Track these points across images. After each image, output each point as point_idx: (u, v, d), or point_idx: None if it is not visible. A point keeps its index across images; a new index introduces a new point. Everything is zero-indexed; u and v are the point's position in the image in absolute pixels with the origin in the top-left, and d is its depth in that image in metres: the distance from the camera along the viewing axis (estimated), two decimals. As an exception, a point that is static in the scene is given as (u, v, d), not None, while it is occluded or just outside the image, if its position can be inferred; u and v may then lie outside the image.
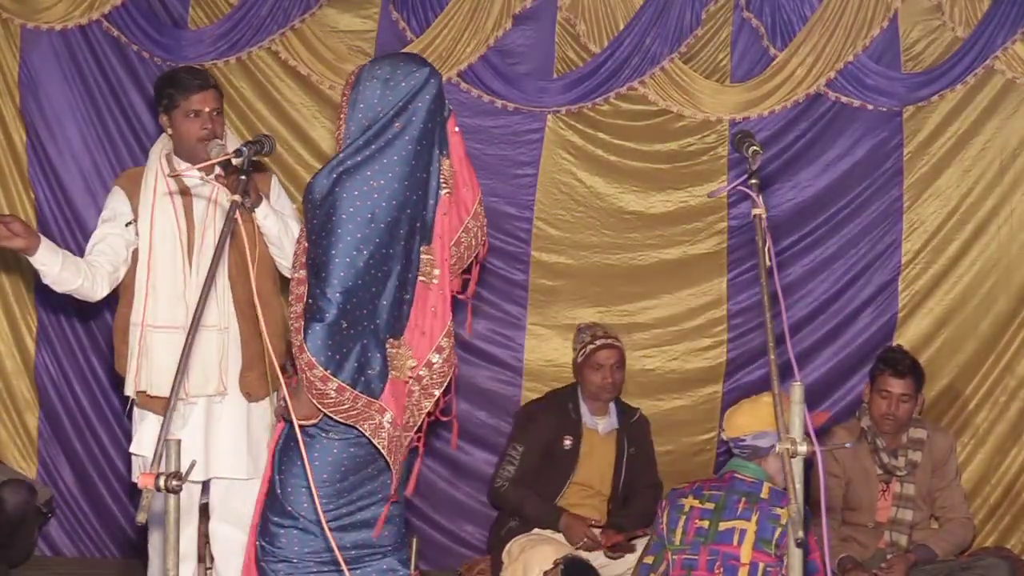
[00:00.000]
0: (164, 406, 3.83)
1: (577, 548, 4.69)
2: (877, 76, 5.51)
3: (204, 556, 4.27)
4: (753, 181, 2.86)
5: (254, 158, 3.07)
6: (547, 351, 5.64)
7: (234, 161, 3.01)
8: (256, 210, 3.84)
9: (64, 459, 5.65)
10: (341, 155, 3.13)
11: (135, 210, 4.00)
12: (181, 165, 3.99)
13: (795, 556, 2.68)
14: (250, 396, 4.03)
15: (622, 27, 5.52)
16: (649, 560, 4.12)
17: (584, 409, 5.02)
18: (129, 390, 4.01)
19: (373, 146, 3.12)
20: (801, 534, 2.55)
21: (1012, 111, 5.57)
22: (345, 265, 3.03)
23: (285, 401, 3.04)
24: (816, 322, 5.65)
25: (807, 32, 5.48)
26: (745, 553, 3.89)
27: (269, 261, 4.01)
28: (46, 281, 3.90)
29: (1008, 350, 5.59)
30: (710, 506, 3.99)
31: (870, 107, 5.55)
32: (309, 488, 3.14)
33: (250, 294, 3.79)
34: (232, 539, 4.03)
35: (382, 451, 3.12)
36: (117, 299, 4.06)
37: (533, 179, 5.64)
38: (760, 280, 2.76)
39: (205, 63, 5.35)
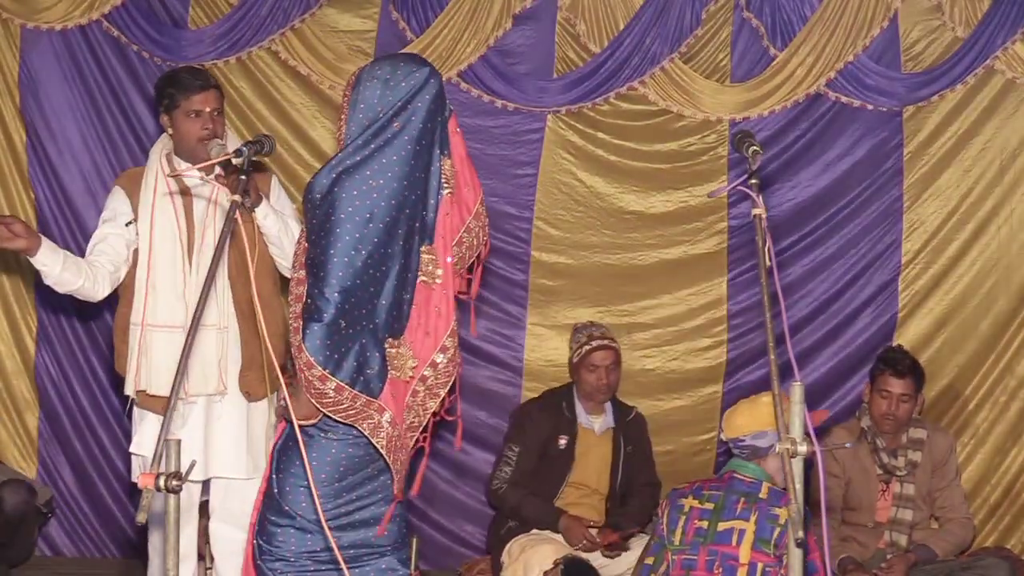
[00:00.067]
0: (164, 405, 3.82)
1: (576, 549, 4.70)
2: (877, 76, 5.51)
3: (205, 554, 4.27)
4: (753, 181, 2.86)
5: (254, 158, 3.07)
6: (547, 351, 5.64)
7: (234, 161, 3.01)
8: (256, 210, 3.85)
9: (64, 459, 5.65)
10: (341, 155, 3.14)
11: (135, 210, 4.00)
12: (181, 165, 4.00)
13: (795, 556, 2.68)
14: (250, 396, 4.03)
15: (622, 27, 5.52)
16: (650, 560, 4.12)
17: (579, 408, 5.02)
18: (129, 389, 4.01)
19: (372, 145, 3.12)
20: (801, 534, 2.55)
21: (1012, 111, 5.57)
22: (343, 265, 3.04)
23: (285, 401, 3.04)
24: (816, 322, 5.65)
25: (807, 32, 5.48)
26: (744, 553, 3.89)
27: (269, 261, 4.02)
28: (47, 282, 3.90)
29: (1008, 350, 5.59)
30: (709, 506, 3.99)
31: (870, 107, 5.55)
32: (307, 487, 3.14)
33: (250, 294, 3.80)
34: (232, 539, 4.03)
35: (381, 451, 3.12)
36: (117, 299, 4.07)
37: (533, 179, 5.64)
38: (760, 280, 2.76)
39: (205, 63, 5.35)
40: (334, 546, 3.06)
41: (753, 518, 3.92)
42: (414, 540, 3.48)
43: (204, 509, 4.19)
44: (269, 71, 5.59)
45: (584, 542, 4.71)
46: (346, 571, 3.11)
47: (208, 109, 3.96)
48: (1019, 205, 5.59)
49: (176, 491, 2.48)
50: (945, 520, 5.01)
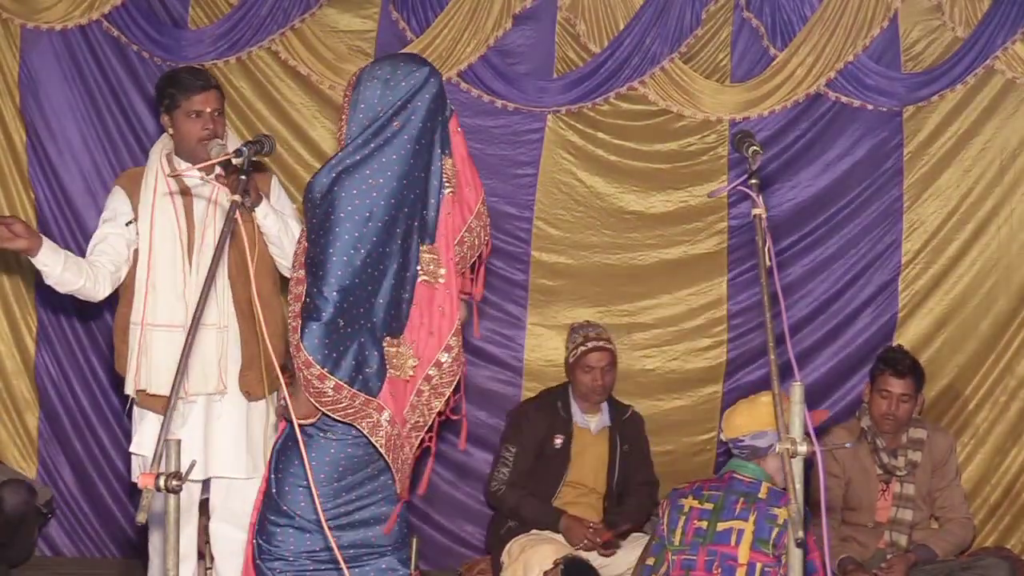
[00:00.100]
0: (164, 405, 3.83)
1: (577, 548, 4.70)
2: (877, 76, 5.51)
3: (205, 553, 4.28)
4: (753, 181, 2.86)
5: (254, 158, 3.08)
6: (547, 351, 5.64)
7: (234, 161, 3.01)
8: (256, 209, 3.85)
9: (64, 459, 5.66)
10: (340, 154, 3.14)
11: (135, 209, 4.01)
12: (181, 165, 4.00)
13: (795, 556, 2.68)
14: (249, 395, 4.04)
15: (622, 27, 5.52)
16: (651, 561, 4.12)
17: (575, 408, 5.03)
18: (129, 389, 4.02)
19: (372, 144, 3.13)
20: (801, 534, 2.55)
21: (1012, 111, 5.57)
22: (342, 264, 3.04)
23: (285, 400, 3.04)
24: (816, 322, 5.65)
25: (807, 32, 5.48)
26: (743, 553, 3.89)
27: (269, 261, 4.02)
28: (48, 282, 3.91)
29: (1008, 350, 5.59)
30: (709, 506, 3.99)
31: (870, 107, 5.55)
32: (306, 487, 3.14)
33: (250, 293, 3.80)
34: (232, 539, 4.04)
35: (380, 449, 3.12)
36: (117, 299, 4.07)
37: (533, 179, 5.64)
38: (760, 280, 2.76)
39: (205, 63, 5.35)
40: (334, 546, 3.06)
41: (752, 518, 3.92)
42: (414, 540, 3.48)
43: (204, 508, 4.19)
44: (269, 71, 5.59)
45: (585, 541, 4.72)
46: (346, 571, 3.11)
47: (209, 110, 3.96)
48: (1019, 205, 5.59)
49: (176, 491, 2.48)
50: (945, 520, 5.01)
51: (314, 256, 3.08)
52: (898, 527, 4.90)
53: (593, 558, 4.70)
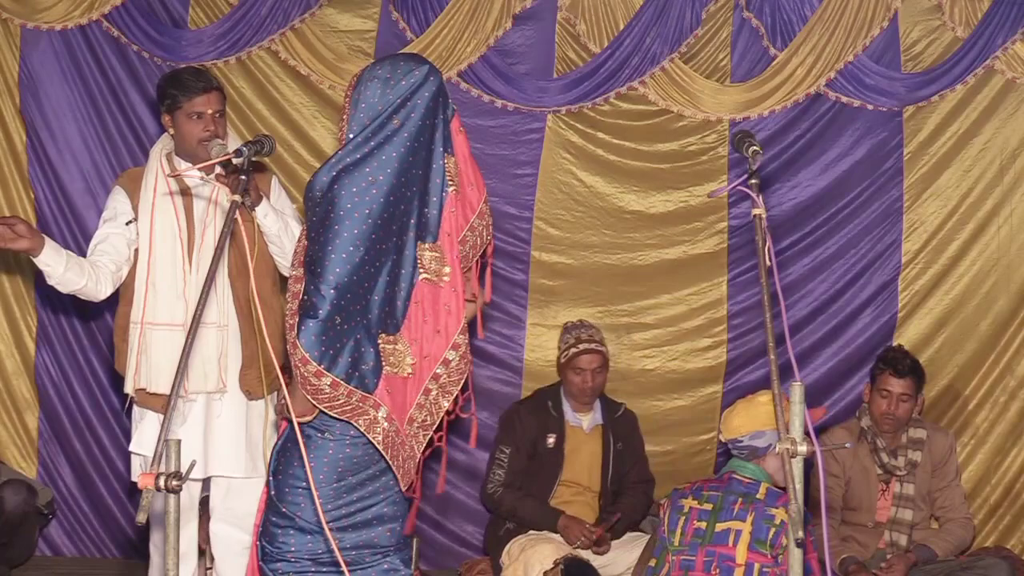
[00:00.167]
0: (163, 403, 3.84)
1: (575, 548, 4.70)
2: (877, 76, 5.51)
3: (206, 551, 4.28)
4: (753, 181, 2.86)
5: (254, 158, 3.08)
6: (547, 351, 5.63)
7: (234, 161, 3.01)
8: (256, 209, 3.85)
9: (64, 459, 5.66)
10: (341, 152, 3.15)
11: (135, 209, 4.01)
12: (182, 165, 4.01)
13: (794, 556, 2.68)
14: (250, 394, 4.04)
15: (622, 27, 5.52)
16: (652, 563, 4.13)
17: (566, 407, 5.03)
18: (128, 388, 4.02)
19: (372, 143, 3.13)
20: (801, 534, 2.55)
21: (1012, 111, 5.57)
22: (341, 261, 3.04)
23: (286, 400, 3.04)
24: (816, 322, 5.65)
25: (807, 32, 5.48)
26: (740, 554, 3.89)
27: (269, 260, 4.02)
28: (51, 282, 3.91)
29: (1008, 350, 5.59)
30: (708, 507, 4.00)
31: (870, 107, 5.55)
32: (306, 489, 3.14)
33: (250, 293, 3.81)
34: (232, 539, 4.04)
35: (377, 446, 3.12)
36: (117, 298, 4.07)
37: (533, 179, 5.64)
38: (760, 280, 2.76)
39: (205, 63, 5.34)
40: (335, 548, 3.06)
41: (750, 519, 3.92)
42: (414, 540, 3.48)
43: (204, 506, 4.19)
44: (269, 71, 5.60)
45: (582, 540, 4.72)
46: (346, 573, 3.11)
47: (210, 111, 3.97)
48: (1019, 205, 5.59)
49: (176, 491, 2.48)
50: (945, 520, 5.01)
51: (313, 254, 3.08)
52: (898, 527, 4.90)
53: (593, 558, 4.71)
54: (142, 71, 5.53)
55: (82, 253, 4.02)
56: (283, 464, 3.23)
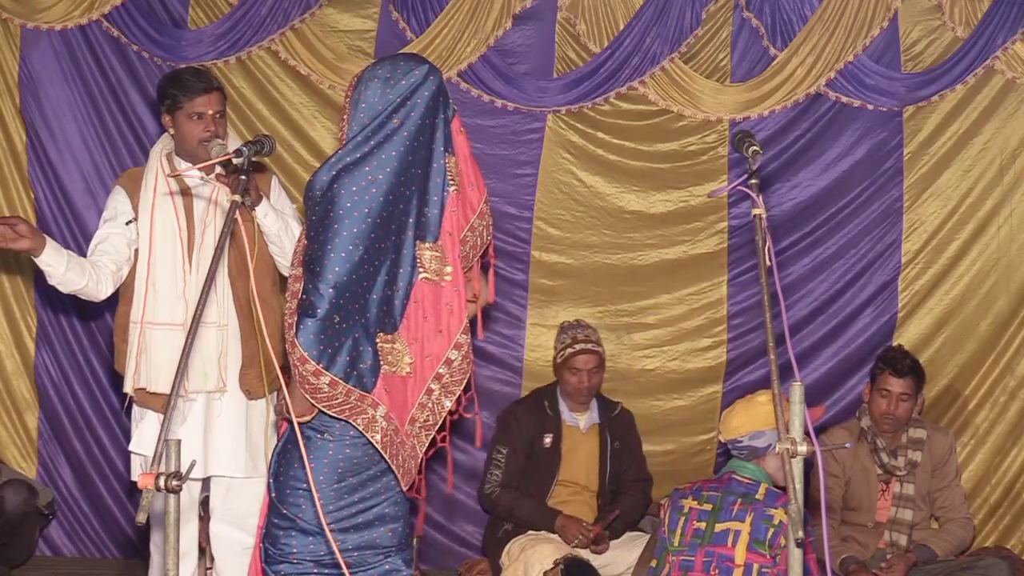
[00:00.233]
0: (163, 403, 3.84)
1: (573, 546, 4.71)
2: (877, 76, 5.51)
3: (206, 549, 4.28)
4: (753, 181, 2.86)
5: (254, 158, 3.08)
6: (547, 351, 5.63)
7: (234, 161, 3.01)
8: (256, 209, 3.85)
9: (64, 459, 5.66)
10: (340, 152, 3.15)
11: (135, 209, 4.01)
12: (182, 165, 4.01)
13: (794, 556, 2.68)
14: (250, 394, 4.04)
15: (622, 27, 5.52)
16: (653, 563, 4.13)
17: (563, 406, 5.04)
18: (128, 387, 4.02)
19: (372, 142, 3.14)
20: (801, 534, 2.55)
21: (1012, 111, 5.57)
22: (340, 260, 3.05)
23: (285, 400, 3.04)
24: (816, 322, 5.65)
25: (807, 32, 5.48)
26: (739, 554, 3.89)
27: (269, 260, 4.03)
28: (51, 282, 3.91)
29: (1008, 350, 5.59)
30: (707, 507, 4.00)
31: (870, 107, 5.55)
32: (307, 490, 3.14)
33: (250, 292, 3.81)
34: (232, 539, 4.04)
35: (376, 445, 3.12)
36: (117, 298, 4.07)
37: (533, 179, 5.64)
38: (760, 280, 2.76)
39: (205, 63, 5.34)
40: (336, 550, 3.06)
41: (748, 519, 3.92)
42: (414, 540, 3.48)
43: (205, 506, 4.19)
44: (269, 71, 5.60)
45: (580, 539, 4.73)
46: (347, 574, 3.11)
47: (211, 111, 3.97)
48: (1019, 205, 5.59)
49: (176, 491, 2.48)
50: (945, 520, 5.01)
51: (312, 253, 3.08)
52: (898, 527, 4.90)
53: (593, 558, 4.71)
54: (142, 71, 5.53)
55: (82, 253, 4.02)
56: (283, 466, 3.23)
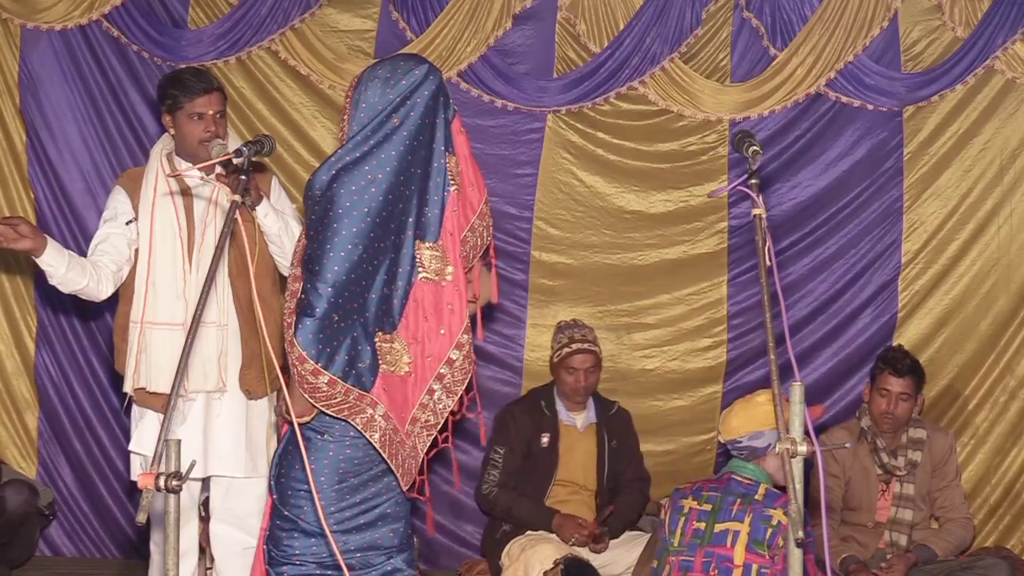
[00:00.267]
0: (163, 402, 3.84)
1: (571, 545, 4.71)
2: (877, 76, 5.51)
3: (207, 551, 4.28)
4: (753, 181, 2.86)
5: (254, 158, 3.08)
6: (547, 351, 5.61)
7: (234, 161, 3.02)
8: (256, 209, 3.86)
9: (64, 459, 5.65)
10: (340, 151, 3.15)
11: (136, 209, 4.02)
12: (182, 165, 4.01)
13: (794, 556, 2.68)
14: (249, 394, 4.04)
15: (622, 27, 5.52)
16: (655, 564, 4.13)
17: (560, 406, 5.04)
18: (128, 387, 4.02)
19: (371, 141, 3.14)
20: (801, 534, 2.55)
21: (1012, 111, 5.57)
22: (340, 259, 3.05)
23: (286, 401, 3.05)
24: (816, 322, 5.65)
25: (807, 32, 5.48)
26: (738, 555, 3.89)
27: (269, 260, 4.03)
28: (52, 282, 3.91)
29: (1008, 350, 5.59)
30: (707, 507, 4.00)
31: (870, 107, 5.55)
32: (307, 491, 3.14)
33: (250, 292, 3.81)
34: (232, 539, 4.05)
35: (375, 445, 3.12)
36: (117, 298, 4.08)
37: (533, 179, 5.64)
38: (760, 280, 2.76)
39: (205, 63, 5.34)
40: (336, 552, 3.06)
41: (747, 520, 3.92)
42: (415, 540, 3.49)
43: (205, 506, 4.19)
44: (269, 71, 5.60)
45: (577, 537, 4.73)
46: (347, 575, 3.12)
47: (211, 112, 3.97)
48: (1019, 205, 5.59)
49: (176, 491, 2.48)
50: (945, 520, 5.01)
51: (311, 252, 3.08)
52: (898, 527, 4.90)
53: (593, 558, 4.71)
54: (142, 71, 5.53)
55: (82, 253, 4.03)
56: (285, 467, 3.24)
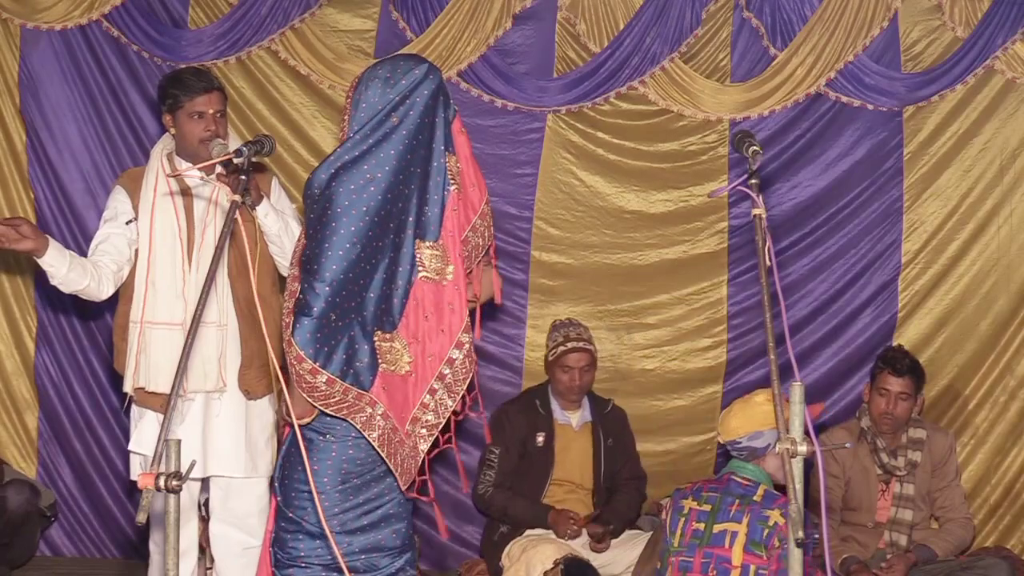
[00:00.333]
0: (162, 402, 3.84)
1: (566, 538, 4.72)
2: (877, 76, 5.51)
3: (207, 551, 4.28)
4: (753, 181, 2.86)
5: (254, 158, 3.08)
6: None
7: (235, 161, 3.02)
8: (256, 208, 3.86)
9: (64, 459, 5.65)
10: (339, 150, 3.16)
11: (136, 209, 4.02)
12: (182, 165, 4.01)
13: (794, 556, 2.68)
14: (249, 394, 4.04)
15: (622, 27, 5.52)
16: (658, 564, 4.13)
17: (554, 405, 5.05)
18: (127, 387, 4.03)
19: (371, 140, 3.14)
20: (801, 534, 2.55)
21: (1012, 111, 5.56)
22: (338, 258, 3.05)
23: (286, 403, 3.05)
24: (816, 322, 5.65)
25: (807, 32, 5.48)
26: (736, 555, 3.89)
27: (268, 260, 4.03)
28: (53, 282, 3.92)
29: (1008, 350, 5.59)
30: (707, 508, 4.00)
31: (870, 107, 5.55)
32: (311, 493, 3.14)
33: (250, 293, 3.82)
34: (232, 540, 4.05)
35: (374, 444, 3.12)
36: (117, 298, 4.08)
37: (533, 179, 5.64)
38: (760, 280, 2.76)
39: (205, 63, 5.34)
40: (337, 554, 3.07)
41: (745, 520, 3.92)
42: (415, 540, 3.49)
43: (206, 506, 4.19)
44: (269, 71, 5.60)
45: (572, 529, 4.73)
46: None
47: (211, 111, 3.97)
48: (1019, 205, 5.59)
49: (176, 491, 2.48)
50: (945, 520, 5.01)
51: (310, 251, 3.09)
52: (898, 527, 4.90)
53: (593, 558, 4.71)
54: (142, 71, 5.53)
55: (83, 253, 4.03)
56: (288, 469, 3.24)
